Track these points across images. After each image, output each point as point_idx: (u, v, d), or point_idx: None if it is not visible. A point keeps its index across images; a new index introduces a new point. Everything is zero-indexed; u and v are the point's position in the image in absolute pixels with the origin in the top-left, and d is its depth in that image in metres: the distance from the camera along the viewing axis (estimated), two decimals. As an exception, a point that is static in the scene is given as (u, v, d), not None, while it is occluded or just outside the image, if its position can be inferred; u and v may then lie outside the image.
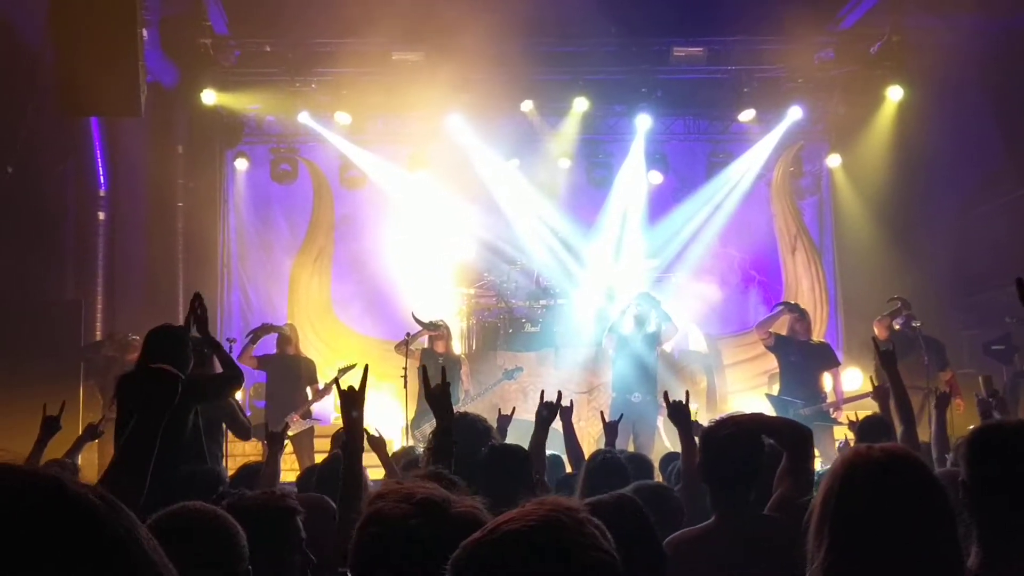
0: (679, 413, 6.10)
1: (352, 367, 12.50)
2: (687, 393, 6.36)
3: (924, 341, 11.85)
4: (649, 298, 12.08)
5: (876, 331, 12.07)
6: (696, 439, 5.50)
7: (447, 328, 13.14)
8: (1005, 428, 2.83)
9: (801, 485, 4.22)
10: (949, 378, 12.34)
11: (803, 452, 4.42)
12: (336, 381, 12.22)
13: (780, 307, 12.57)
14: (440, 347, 12.82)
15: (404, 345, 12.62)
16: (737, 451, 4.28)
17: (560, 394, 6.85)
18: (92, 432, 7.66)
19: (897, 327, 12.41)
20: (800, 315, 12.37)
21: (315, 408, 12.60)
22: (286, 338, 13.04)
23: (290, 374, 12.47)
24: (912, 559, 2.43)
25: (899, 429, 6.04)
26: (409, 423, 12.42)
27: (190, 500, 3.17)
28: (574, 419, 7.84)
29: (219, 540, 3.06)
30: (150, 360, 7.00)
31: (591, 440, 13.12)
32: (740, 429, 4.41)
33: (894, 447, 2.68)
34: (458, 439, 4.94)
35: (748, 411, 5.63)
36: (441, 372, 5.25)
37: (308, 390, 12.26)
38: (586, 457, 7.27)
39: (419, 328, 12.84)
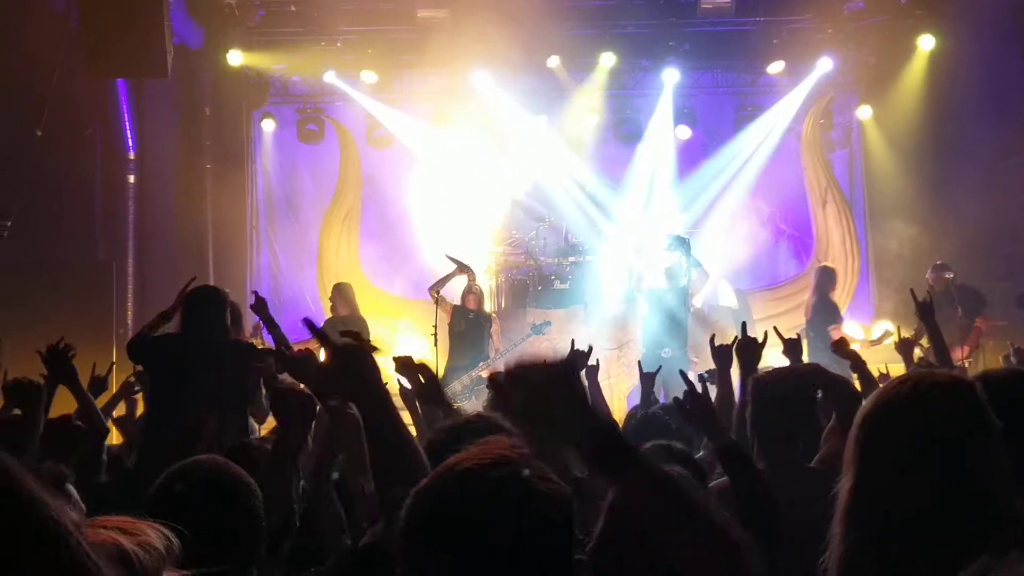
0: (722, 355, 6.05)
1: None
2: (736, 339, 6.29)
3: (959, 293, 11.82)
4: (681, 240, 12.03)
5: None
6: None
7: (480, 288, 13.19)
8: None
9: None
10: (977, 324, 12.31)
11: (852, 411, 4.35)
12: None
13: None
14: (472, 304, 12.88)
15: (439, 285, 12.69)
16: (792, 404, 4.21)
17: (591, 348, 6.76)
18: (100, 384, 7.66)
19: (929, 281, 12.38)
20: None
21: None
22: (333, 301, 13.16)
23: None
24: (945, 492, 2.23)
25: None
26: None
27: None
28: (603, 375, 7.82)
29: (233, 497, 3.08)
30: (189, 320, 7.08)
31: (621, 396, 13.14)
32: (796, 381, 4.34)
33: (951, 374, 2.49)
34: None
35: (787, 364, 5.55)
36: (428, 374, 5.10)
37: None
38: (613, 413, 7.27)
39: (453, 267, 12.90)
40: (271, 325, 7.30)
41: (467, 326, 12.81)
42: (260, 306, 7.37)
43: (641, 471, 2.04)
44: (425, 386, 4.94)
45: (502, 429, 3.04)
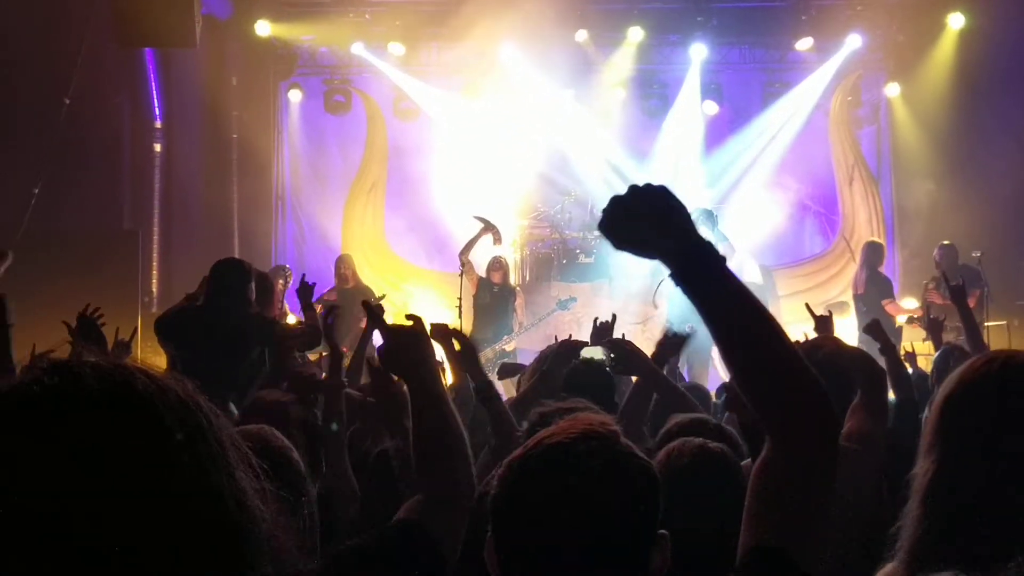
0: None
1: (381, 297, 12.63)
2: (807, 305, 6.21)
3: (959, 271, 11.82)
4: (708, 214, 12.03)
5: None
6: None
7: (505, 261, 13.23)
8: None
9: (875, 420, 4.12)
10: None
11: (876, 386, 4.28)
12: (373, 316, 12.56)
13: None
14: (497, 277, 12.90)
15: (468, 249, 12.74)
16: (833, 379, 4.14)
17: (615, 317, 6.73)
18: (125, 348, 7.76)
19: (936, 259, 12.40)
20: None
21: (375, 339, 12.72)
22: (340, 272, 13.24)
23: (349, 307, 12.54)
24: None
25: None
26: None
27: None
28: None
29: (274, 460, 3.10)
30: (214, 290, 7.16)
31: (645, 371, 13.12)
32: (839, 354, 4.27)
33: None
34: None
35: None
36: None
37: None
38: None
39: (480, 227, 12.93)
40: (307, 308, 7.44)
41: (492, 299, 12.84)
42: (304, 290, 7.54)
43: (732, 285, 2.05)
44: (461, 352, 5.04)
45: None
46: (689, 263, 2.03)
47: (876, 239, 14.17)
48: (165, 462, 1.20)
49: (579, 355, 5.25)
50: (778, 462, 1.96)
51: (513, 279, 13.92)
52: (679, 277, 2.04)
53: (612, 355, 5.22)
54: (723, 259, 2.04)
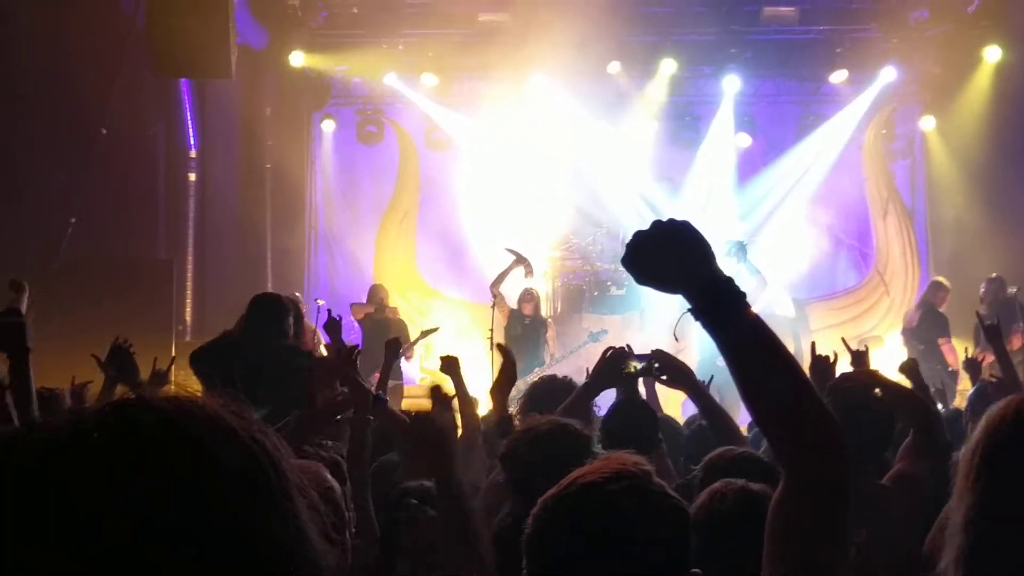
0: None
1: (435, 330, 12.72)
2: (813, 344, 6.17)
3: (1021, 309, 11.68)
4: (740, 247, 11.99)
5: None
6: None
7: (537, 293, 13.23)
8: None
9: (920, 462, 4.04)
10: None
11: (926, 429, 4.18)
12: (416, 342, 12.50)
13: None
14: (528, 310, 12.92)
15: (499, 281, 12.76)
16: (872, 416, 4.06)
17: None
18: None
19: (980, 293, 12.28)
20: None
21: (403, 369, 12.78)
22: (378, 298, 13.30)
23: (380, 335, 12.58)
24: None
25: None
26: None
27: None
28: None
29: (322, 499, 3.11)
30: (250, 324, 7.17)
31: (676, 404, 13.05)
32: (884, 389, 4.20)
33: None
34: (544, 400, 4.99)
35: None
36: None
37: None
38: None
39: (512, 259, 12.95)
40: (336, 339, 7.38)
41: (523, 331, 12.83)
42: (333, 326, 7.45)
43: (750, 320, 2.09)
44: (497, 382, 5.08)
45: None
46: (708, 298, 2.08)
47: (941, 279, 13.92)
48: (219, 510, 1.15)
49: (627, 365, 5.24)
50: (792, 498, 1.98)
51: (544, 311, 13.92)
52: (699, 312, 2.08)
53: (657, 365, 5.23)
54: (743, 295, 2.10)
